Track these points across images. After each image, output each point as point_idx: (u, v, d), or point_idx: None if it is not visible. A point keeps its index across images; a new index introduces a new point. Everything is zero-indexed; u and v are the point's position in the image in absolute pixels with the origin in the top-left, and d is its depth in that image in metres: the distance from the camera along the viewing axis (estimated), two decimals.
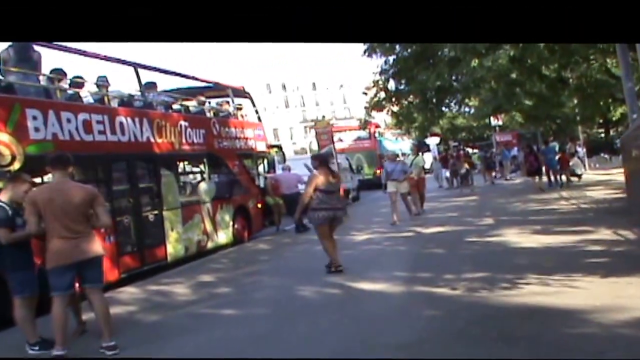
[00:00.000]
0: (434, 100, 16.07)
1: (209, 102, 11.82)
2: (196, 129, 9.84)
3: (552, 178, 17.08)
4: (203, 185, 10.16)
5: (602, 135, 33.02)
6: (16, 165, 6.07)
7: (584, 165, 21.17)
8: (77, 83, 7.83)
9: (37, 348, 4.52)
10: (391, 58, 14.95)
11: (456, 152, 24.99)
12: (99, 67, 8.31)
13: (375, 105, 17.01)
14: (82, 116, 7.28)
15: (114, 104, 8.41)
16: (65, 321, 4.36)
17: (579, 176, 17.99)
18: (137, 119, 8.34)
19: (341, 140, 25.47)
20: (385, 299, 5.40)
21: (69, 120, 7.02)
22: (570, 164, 17.81)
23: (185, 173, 10.34)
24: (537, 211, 11.39)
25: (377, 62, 15.79)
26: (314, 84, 72.75)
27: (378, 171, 22.07)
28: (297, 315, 5.09)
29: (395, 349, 3.86)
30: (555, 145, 19.33)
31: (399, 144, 30.99)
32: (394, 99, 16.28)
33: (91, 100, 8.20)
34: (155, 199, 8.60)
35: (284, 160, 14.05)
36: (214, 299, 6.17)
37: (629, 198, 9.58)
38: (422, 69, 13.80)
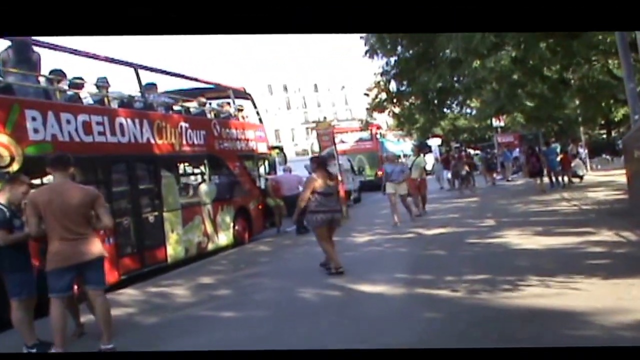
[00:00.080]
0: (436, 102, 15.99)
1: (210, 103, 11.83)
2: (197, 130, 9.83)
3: (554, 179, 17.06)
4: (203, 187, 10.15)
5: (604, 136, 33.02)
6: (15, 167, 6.06)
7: (586, 167, 21.12)
8: (77, 84, 7.81)
9: (34, 350, 4.49)
10: (392, 59, 14.94)
11: (458, 153, 24.96)
12: (99, 68, 8.34)
13: (377, 107, 16.96)
14: (81, 117, 7.27)
15: (114, 105, 8.40)
16: (63, 323, 4.35)
17: (581, 177, 17.93)
18: (137, 120, 8.33)
19: (343, 141, 25.45)
20: (386, 300, 5.38)
21: (68, 122, 7.01)
22: (572, 165, 17.76)
23: (186, 174, 10.31)
24: (539, 212, 11.35)
25: (379, 63, 15.76)
26: (315, 85, 72.68)
27: (380, 172, 22.02)
28: (298, 317, 5.07)
29: None
30: (557, 147, 19.27)
31: (401, 145, 30.93)
32: (395, 100, 16.23)
33: (91, 101, 8.18)
34: (155, 201, 8.58)
35: (285, 161, 14.05)
36: (214, 300, 6.15)
37: (631, 199, 9.54)
38: (424, 70, 13.75)
